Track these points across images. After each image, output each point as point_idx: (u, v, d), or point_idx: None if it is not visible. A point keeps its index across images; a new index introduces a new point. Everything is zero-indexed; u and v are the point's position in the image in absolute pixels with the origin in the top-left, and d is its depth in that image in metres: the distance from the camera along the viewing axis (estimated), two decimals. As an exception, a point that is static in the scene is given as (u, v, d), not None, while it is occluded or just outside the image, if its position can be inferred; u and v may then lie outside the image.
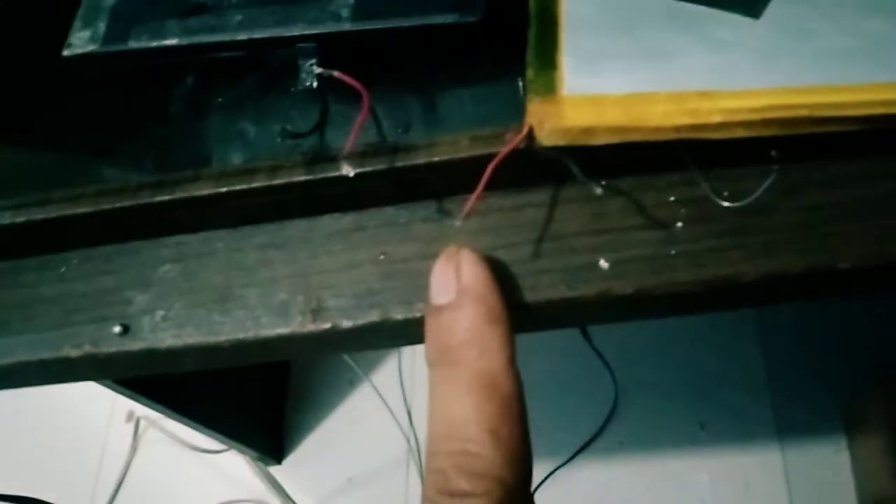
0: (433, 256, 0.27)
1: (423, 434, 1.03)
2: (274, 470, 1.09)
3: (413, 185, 0.30)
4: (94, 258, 0.34)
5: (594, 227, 0.30)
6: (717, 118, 0.27)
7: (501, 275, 0.28)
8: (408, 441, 1.08)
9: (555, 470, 1.04)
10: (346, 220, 0.32)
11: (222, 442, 0.97)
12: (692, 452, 1.04)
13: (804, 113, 0.27)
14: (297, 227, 0.32)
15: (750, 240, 0.28)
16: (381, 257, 0.31)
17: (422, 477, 1.03)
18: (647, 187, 0.30)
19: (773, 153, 0.29)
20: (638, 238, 0.29)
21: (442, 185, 0.30)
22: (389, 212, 0.32)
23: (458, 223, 0.30)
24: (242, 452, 1.05)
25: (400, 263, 0.31)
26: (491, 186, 0.31)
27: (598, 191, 0.28)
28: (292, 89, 0.32)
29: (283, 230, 0.32)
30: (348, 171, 0.28)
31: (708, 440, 1.04)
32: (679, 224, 0.29)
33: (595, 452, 1.05)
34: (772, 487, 1.00)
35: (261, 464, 1.07)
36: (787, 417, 1.03)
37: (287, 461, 1.11)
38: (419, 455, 1.07)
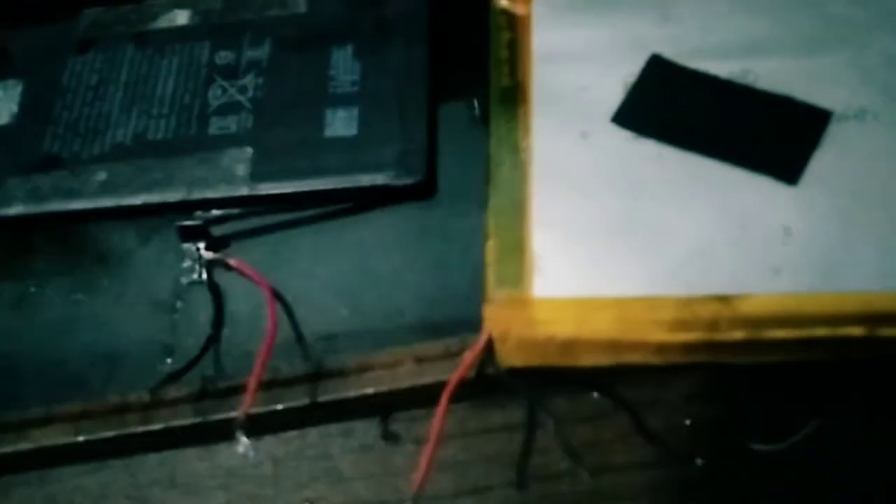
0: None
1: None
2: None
3: (344, 414, 0.23)
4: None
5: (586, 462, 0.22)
6: (738, 335, 0.20)
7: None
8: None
9: None
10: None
11: None
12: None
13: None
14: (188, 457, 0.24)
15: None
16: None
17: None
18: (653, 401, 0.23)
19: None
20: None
21: (382, 409, 0.23)
22: (313, 436, 0.24)
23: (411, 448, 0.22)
24: None
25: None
26: (452, 400, 0.23)
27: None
28: (179, 280, 0.24)
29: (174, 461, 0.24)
30: (246, 448, 0.20)
31: None
32: (699, 461, 0.22)
33: None
34: None
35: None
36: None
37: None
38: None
